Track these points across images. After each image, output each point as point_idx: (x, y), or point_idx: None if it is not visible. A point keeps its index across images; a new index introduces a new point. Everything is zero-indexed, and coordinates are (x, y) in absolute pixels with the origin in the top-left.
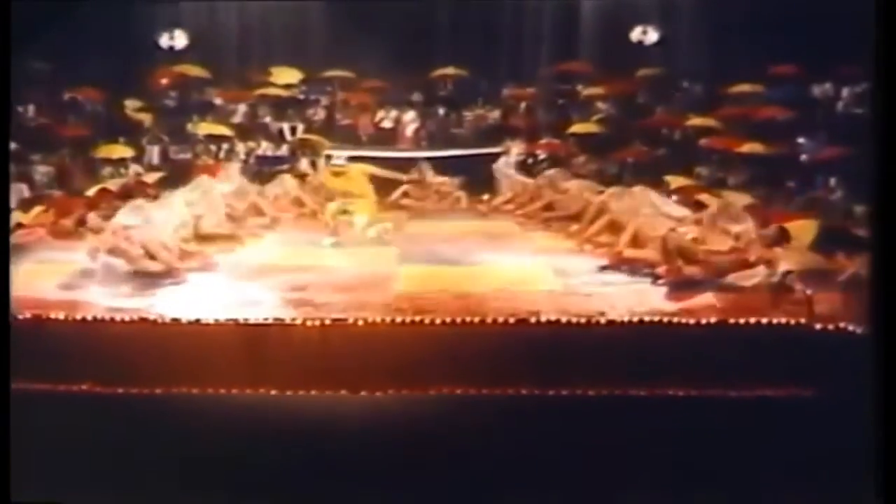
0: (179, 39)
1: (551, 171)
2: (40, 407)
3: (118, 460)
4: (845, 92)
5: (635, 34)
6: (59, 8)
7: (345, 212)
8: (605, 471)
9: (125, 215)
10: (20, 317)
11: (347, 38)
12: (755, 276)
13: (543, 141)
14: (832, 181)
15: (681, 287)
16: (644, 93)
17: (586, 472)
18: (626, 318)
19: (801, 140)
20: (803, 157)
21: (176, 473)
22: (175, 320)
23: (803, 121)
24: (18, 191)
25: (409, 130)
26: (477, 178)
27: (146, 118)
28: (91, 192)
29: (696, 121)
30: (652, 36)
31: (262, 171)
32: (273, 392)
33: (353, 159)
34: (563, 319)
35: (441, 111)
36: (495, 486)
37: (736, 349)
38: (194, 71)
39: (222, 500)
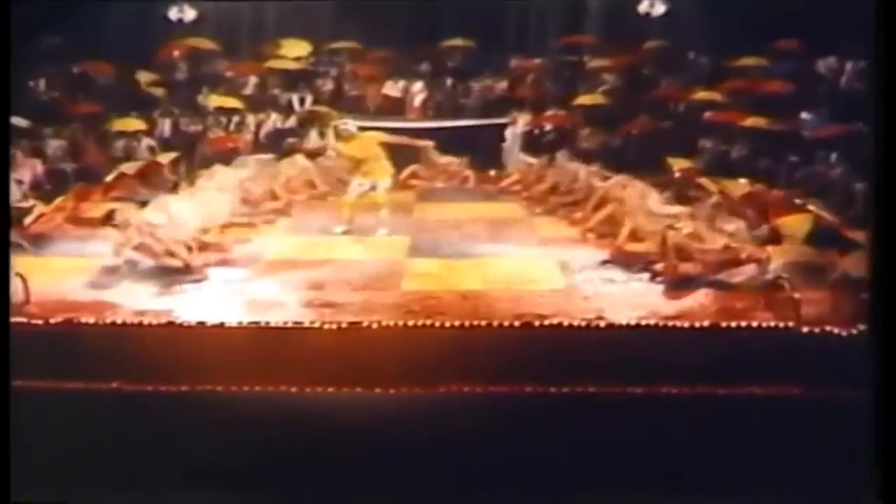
0: (188, 12)
1: (557, 153)
2: (72, 404)
3: (146, 453)
4: (849, 66)
5: (643, 6)
6: None
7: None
8: (604, 463)
9: (149, 212)
10: (52, 321)
11: (356, 9)
12: (746, 273)
13: (549, 113)
14: (833, 157)
15: (676, 284)
16: (650, 65)
17: (586, 464)
18: (624, 322)
19: (803, 115)
20: (805, 132)
21: (201, 464)
22: (200, 323)
23: (806, 95)
24: (32, 165)
25: (417, 101)
26: (484, 150)
27: (157, 91)
28: (109, 178)
29: (700, 94)
30: (659, 8)
31: (274, 146)
32: (293, 389)
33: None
34: (565, 323)
35: (449, 82)
36: (500, 476)
37: (728, 351)
38: (204, 44)
39: (245, 489)
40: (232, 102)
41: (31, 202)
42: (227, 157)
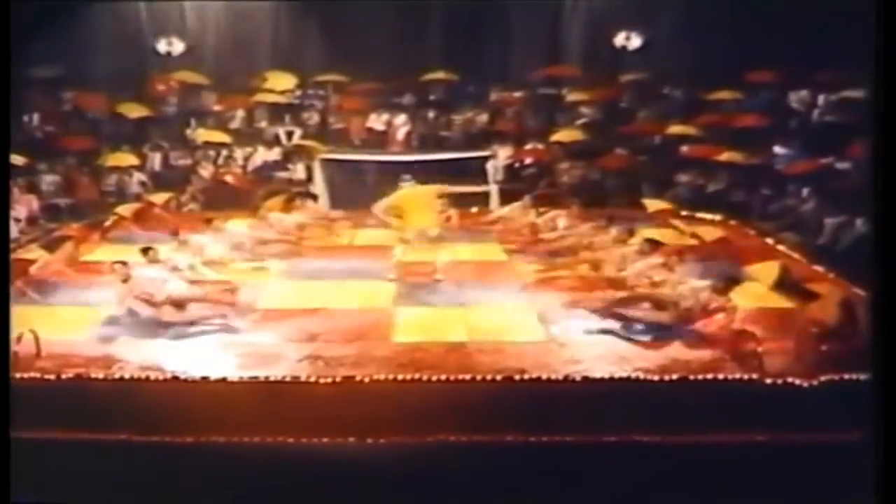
0: (177, 45)
1: (537, 195)
2: (82, 454)
3: (153, 499)
4: (821, 99)
5: (619, 39)
6: (59, 16)
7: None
8: None
9: (148, 265)
10: (63, 376)
11: (340, 43)
12: (715, 324)
13: (529, 147)
14: (805, 191)
15: (648, 335)
16: (627, 98)
17: None
18: (598, 375)
19: (776, 149)
20: (778, 166)
21: None
22: (204, 378)
23: (779, 129)
24: (28, 202)
25: (401, 134)
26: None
27: (147, 125)
28: (107, 222)
29: (676, 128)
30: (635, 41)
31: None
32: (291, 440)
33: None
34: (544, 376)
35: (431, 114)
36: None
37: (696, 402)
38: (192, 78)
39: None
40: (220, 137)
41: (36, 253)
42: (220, 194)
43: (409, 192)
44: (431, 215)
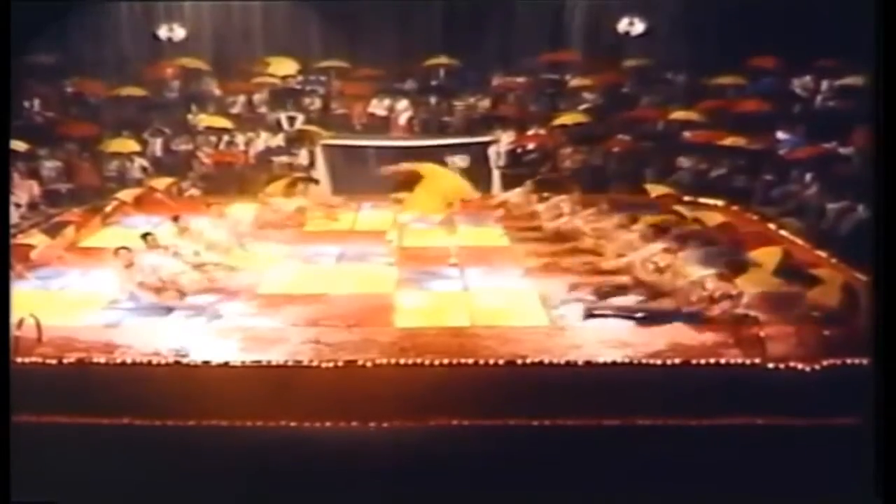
0: (177, 31)
1: (539, 180)
2: (84, 438)
3: (155, 483)
4: (824, 85)
5: (622, 25)
6: (59, 2)
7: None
8: (582, 490)
9: (150, 250)
10: (65, 360)
11: (342, 29)
12: (718, 309)
13: (531, 132)
14: (808, 177)
15: (651, 320)
16: (629, 83)
17: (566, 492)
18: (601, 360)
19: (779, 134)
20: (781, 152)
21: (206, 493)
22: (206, 362)
23: (782, 114)
24: (29, 187)
25: (402, 119)
26: (468, 169)
27: (148, 111)
28: (108, 208)
29: (678, 114)
30: (638, 27)
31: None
32: (292, 424)
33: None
34: (546, 360)
35: (433, 100)
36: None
37: (697, 386)
38: (193, 63)
39: None
40: (221, 122)
41: (37, 238)
42: (221, 179)
43: (435, 170)
44: (441, 203)
